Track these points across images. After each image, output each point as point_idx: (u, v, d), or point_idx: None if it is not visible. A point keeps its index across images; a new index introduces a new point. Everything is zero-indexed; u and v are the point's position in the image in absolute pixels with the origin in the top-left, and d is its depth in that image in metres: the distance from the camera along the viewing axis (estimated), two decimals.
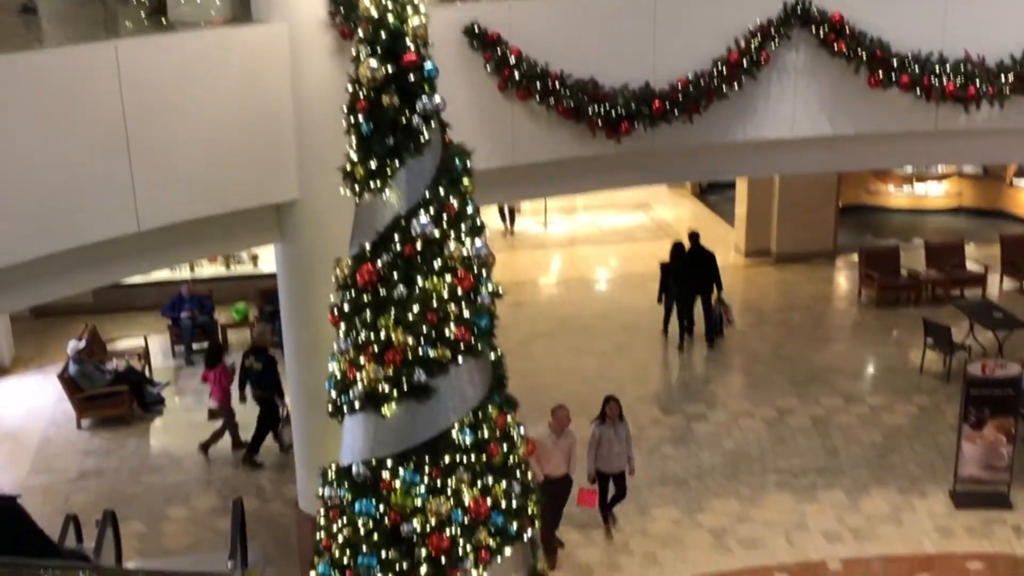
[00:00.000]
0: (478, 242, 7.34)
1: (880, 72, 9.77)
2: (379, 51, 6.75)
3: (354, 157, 7.04)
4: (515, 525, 7.70)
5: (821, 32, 9.77)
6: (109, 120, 7.36)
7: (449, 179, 7.17)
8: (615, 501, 11.47)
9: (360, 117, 6.86)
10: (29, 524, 5.47)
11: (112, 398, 14.03)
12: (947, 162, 21.48)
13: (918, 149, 11.26)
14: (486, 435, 7.48)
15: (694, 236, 16.18)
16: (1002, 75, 9.79)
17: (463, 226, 7.25)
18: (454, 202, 7.15)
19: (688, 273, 16.10)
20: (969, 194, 23.20)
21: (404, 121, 6.85)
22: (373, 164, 6.96)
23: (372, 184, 7.05)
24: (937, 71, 9.75)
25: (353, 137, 6.99)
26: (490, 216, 18.88)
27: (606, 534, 11.35)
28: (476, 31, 9.27)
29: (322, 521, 7.82)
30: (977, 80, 9.75)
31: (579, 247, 21.58)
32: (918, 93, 9.84)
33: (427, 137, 6.98)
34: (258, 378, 13.03)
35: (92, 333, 15.38)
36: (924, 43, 9.81)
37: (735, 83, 9.73)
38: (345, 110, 6.92)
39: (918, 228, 22.44)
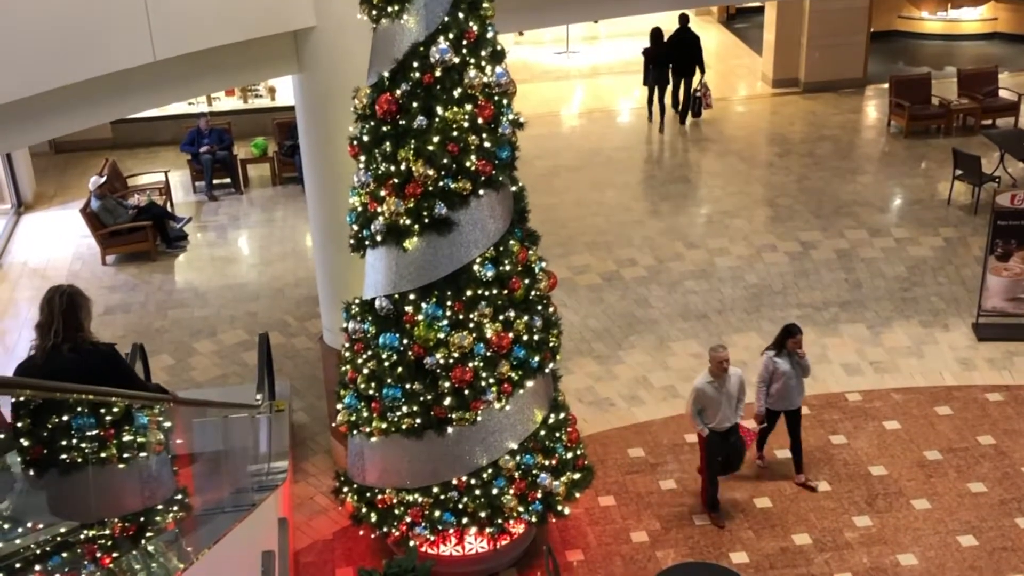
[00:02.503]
0: (499, 69, 7.13)
1: None
2: None
3: None
4: (536, 358, 7.77)
5: None
6: None
7: (469, 3, 6.91)
8: (798, 453, 9.61)
9: None
10: (125, 366, 5.94)
11: (135, 233, 14.07)
12: None
13: None
14: (508, 269, 7.46)
15: (683, 18, 16.74)
16: None
17: (483, 52, 7.03)
18: (474, 27, 6.91)
19: (669, 56, 17.47)
20: (1006, 19, 22.40)
21: None
22: None
23: (390, 8, 6.81)
24: None
25: None
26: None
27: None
28: None
29: (347, 354, 7.92)
30: None
31: (602, 77, 21.12)
32: None
33: None
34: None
35: (112, 168, 15.32)
36: None
37: None
38: None
39: (952, 55, 21.77)
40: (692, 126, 18.00)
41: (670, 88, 17.94)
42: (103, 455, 5.16)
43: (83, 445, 5.02)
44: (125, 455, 5.35)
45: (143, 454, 5.69)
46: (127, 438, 5.32)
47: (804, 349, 9.39)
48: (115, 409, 5.17)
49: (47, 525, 5.02)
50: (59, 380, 4.98)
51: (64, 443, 4.94)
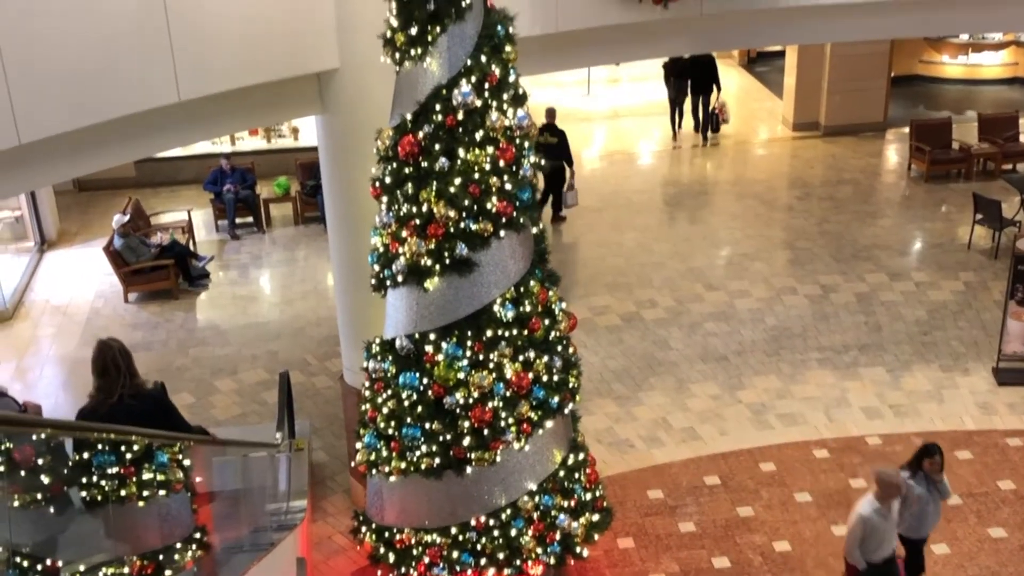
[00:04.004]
0: (520, 112, 7.20)
1: None
2: None
3: (395, 23, 6.87)
4: (556, 399, 7.77)
5: None
6: None
7: (491, 46, 6.98)
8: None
9: None
10: (172, 407, 6.75)
11: (158, 272, 14.19)
12: (1005, 30, 20.68)
13: (975, 15, 10.82)
14: (528, 310, 7.48)
15: None
16: None
17: (505, 95, 7.10)
18: (496, 70, 6.99)
19: (686, 71, 18.86)
20: None
21: None
22: (414, 30, 6.79)
23: (413, 51, 6.89)
24: None
25: (393, 2, 6.81)
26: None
27: None
28: None
29: (367, 393, 7.94)
30: None
31: (623, 119, 21.25)
32: None
33: (468, 1, 6.77)
34: (553, 151, 14.96)
35: (135, 207, 15.48)
36: None
37: None
38: None
39: (972, 99, 21.79)
40: (716, 168, 18.06)
41: (688, 101, 19.45)
42: (144, 493, 5.54)
43: (120, 483, 5.27)
44: (158, 493, 5.50)
45: (166, 492, 5.77)
46: (158, 477, 5.47)
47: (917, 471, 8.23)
48: (165, 450, 5.48)
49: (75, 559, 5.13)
50: (127, 422, 5.82)
51: (108, 482, 5.22)
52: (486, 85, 6.99)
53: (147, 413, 6.31)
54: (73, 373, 12.17)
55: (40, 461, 5.17)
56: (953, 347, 12.31)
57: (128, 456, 5.52)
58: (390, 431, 7.74)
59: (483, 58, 6.94)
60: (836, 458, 10.47)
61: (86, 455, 5.40)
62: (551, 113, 15.74)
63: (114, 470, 5.48)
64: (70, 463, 5.40)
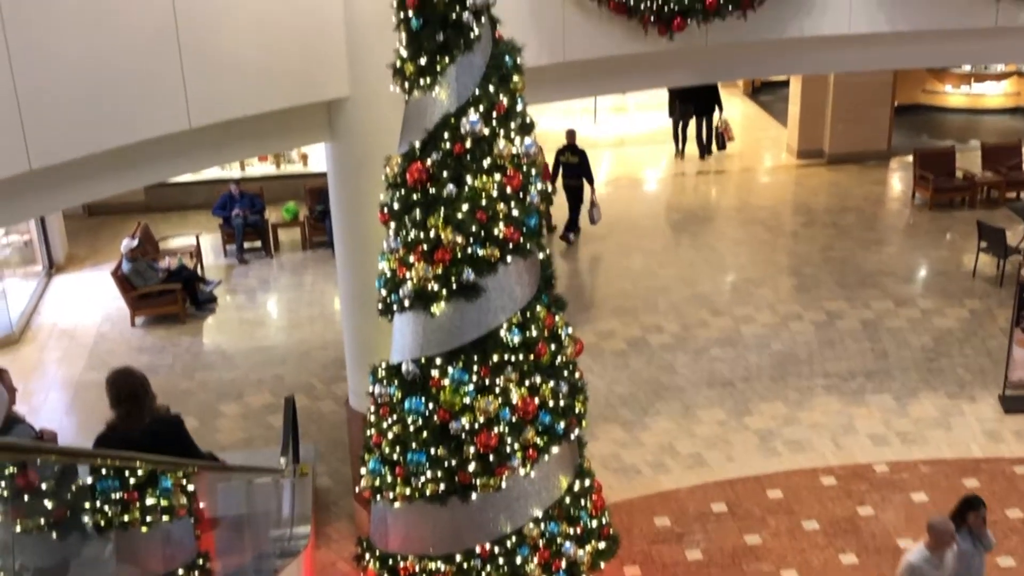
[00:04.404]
0: (527, 140, 7.25)
1: None
2: None
3: (404, 53, 6.93)
4: (562, 424, 7.77)
5: None
6: (160, 17, 7.30)
7: (499, 76, 7.05)
8: None
9: (410, 12, 6.74)
10: (187, 436, 7.06)
11: (165, 296, 14.25)
12: (1007, 61, 20.77)
13: (977, 47, 10.87)
14: (534, 335, 7.50)
15: None
16: None
17: (512, 124, 7.16)
18: (504, 99, 7.05)
19: (690, 92, 19.28)
20: None
21: (454, 16, 6.72)
22: (423, 60, 6.86)
23: (422, 81, 6.96)
24: None
25: (403, 33, 6.88)
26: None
27: None
28: None
29: (372, 418, 7.94)
30: None
31: (629, 147, 21.34)
32: None
33: (477, 33, 6.85)
34: (573, 170, 15.82)
35: (145, 231, 15.57)
36: None
37: None
38: (395, 5, 6.80)
39: (975, 129, 21.87)
40: (720, 194, 18.12)
41: (693, 121, 20.02)
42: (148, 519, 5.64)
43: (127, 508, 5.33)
44: (161, 518, 5.53)
45: (169, 517, 5.79)
46: (162, 502, 5.53)
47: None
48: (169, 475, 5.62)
49: None
50: (146, 448, 5.97)
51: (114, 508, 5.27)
52: (494, 114, 7.04)
53: (171, 437, 6.69)
54: (77, 397, 12.20)
55: (44, 486, 5.20)
56: (959, 374, 12.31)
57: (132, 480, 5.55)
58: (395, 456, 7.73)
59: (491, 87, 7.01)
60: (843, 485, 10.45)
61: (112, 482, 5.50)
62: (571, 134, 16.29)
63: (118, 495, 5.51)
64: (86, 489, 5.44)
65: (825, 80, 19.00)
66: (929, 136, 21.49)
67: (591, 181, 16.18)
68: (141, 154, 7.48)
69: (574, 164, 16.03)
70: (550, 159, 15.82)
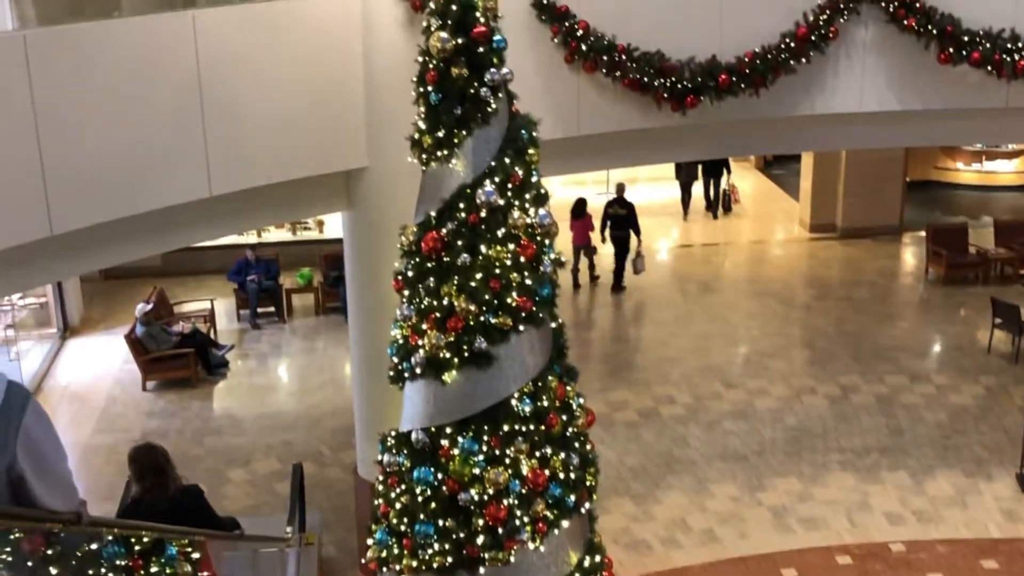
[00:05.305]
0: (542, 211, 7.30)
1: (951, 48, 9.55)
2: (449, 23, 6.72)
3: (422, 126, 7.03)
4: (572, 497, 7.69)
5: (891, 7, 9.57)
6: (185, 87, 7.44)
7: (515, 149, 7.13)
8: None
9: (429, 87, 6.85)
10: (207, 504, 7.43)
11: (178, 360, 14.27)
12: (1017, 141, 20.93)
13: (988, 126, 10.98)
14: (545, 405, 7.46)
15: None
16: None
17: (527, 195, 7.21)
18: (519, 171, 7.11)
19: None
20: None
21: (472, 92, 6.82)
22: (441, 133, 6.94)
23: (439, 153, 7.04)
24: (1009, 48, 9.50)
25: (422, 107, 6.98)
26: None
27: None
28: (545, 4, 9.16)
29: (380, 487, 7.87)
30: None
31: (640, 218, 21.40)
32: (989, 70, 9.60)
33: (494, 107, 6.94)
34: (621, 221, 16.98)
35: (160, 296, 15.66)
36: (996, 19, 9.57)
37: (803, 57, 9.56)
38: (415, 80, 6.91)
39: (987, 205, 21.94)
40: (733, 266, 18.14)
41: (699, 184, 20.92)
42: None
43: None
44: None
45: None
46: (167, 571, 5.57)
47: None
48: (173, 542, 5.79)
49: None
50: (171, 518, 6.34)
51: None
52: (509, 185, 7.11)
53: (194, 507, 7.11)
54: (84, 461, 12.16)
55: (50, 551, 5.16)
56: (976, 452, 12.18)
57: (137, 547, 5.59)
58: (402, 527, 7.65)
59: (507, 160, 7.08)
60: (859, 565, 10.29)
61: (119, 548, 5.53)
62: (621, 188, 17.71)
63: (123, 562, 5.48)
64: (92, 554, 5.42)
65: (837, 155, 19.14)
66: (941, 212, 21.56)
67: (638, 233, 17.17)
68: (160, 221, 7.57)
69: (622, 216, 17.19)
70: (563, 226, 15.95)
